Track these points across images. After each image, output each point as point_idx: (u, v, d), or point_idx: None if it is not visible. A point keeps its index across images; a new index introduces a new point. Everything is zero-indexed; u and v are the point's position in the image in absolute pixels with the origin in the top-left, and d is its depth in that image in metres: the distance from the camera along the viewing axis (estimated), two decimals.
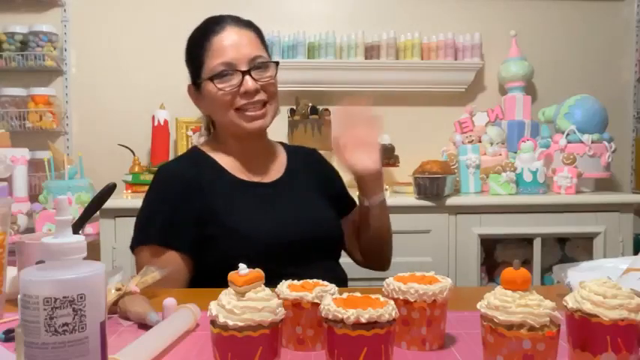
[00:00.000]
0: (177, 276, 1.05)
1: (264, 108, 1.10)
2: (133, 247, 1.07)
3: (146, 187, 2.19)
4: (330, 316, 0.60)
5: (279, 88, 1.15)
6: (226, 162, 1.15)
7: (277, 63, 1.13)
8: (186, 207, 1.06)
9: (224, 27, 1.10)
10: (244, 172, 1.15)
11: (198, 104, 1.17)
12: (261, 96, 1.09)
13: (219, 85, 1.07)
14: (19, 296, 0.50)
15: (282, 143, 1.30)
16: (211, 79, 1.08)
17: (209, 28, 1.12)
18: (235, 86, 1.07)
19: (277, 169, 1.20)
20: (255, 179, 1.16)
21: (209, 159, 1.15)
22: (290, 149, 1.28)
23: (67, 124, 2.38)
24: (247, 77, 1.06)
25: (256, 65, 1.08)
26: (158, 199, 1.10)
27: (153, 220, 1.07)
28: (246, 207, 1.10)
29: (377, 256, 1.27)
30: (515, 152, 2.14)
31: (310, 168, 1.25)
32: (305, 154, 1.30)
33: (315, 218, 1.15)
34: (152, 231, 1.06)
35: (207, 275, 1.05)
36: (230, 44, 1.08)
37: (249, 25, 1.14)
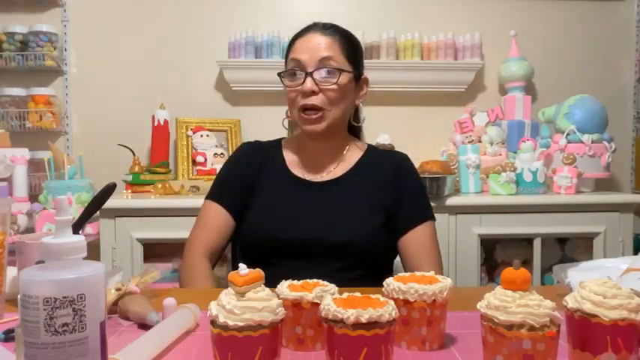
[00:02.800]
0: (217, 228, 1.21)
1: (320, 113, 1.15)
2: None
3: (146, 187, 2.21)
4: (330, 316, 0.60)
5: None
6: (290, 158, 1.26)
7: (347, 72, 1.16)
8: (239, 177, 1.24)
9: (309, 31, 1.19)
10: (301, 168, 1.24)
11: None
12: (318, 99, 1.14)
13: (287, 83, 1.18)
14: (19, 296, 0.50)
15: (370, 146, 1.31)
16: (282, 75, 1.19)
17: (300, 31, 1.21)
18: (298, 85, 1.15)
19: (339, 170, 1.24)
20: (308, 177, 1.23)
21: (279, 151, 1.28)
22: (372, 153, 1.28)
23: (67, 124, 2.38)
24: (308, 78, 1.14)
25: (322, 69, 1.14)
26: (224, 167, 1.30)
27: (214, 182, 1.29)
28: (279, 199, 1.20)
29: None
30: (515, 152, 2.14)
31: (380, 175, 1.23)
32: (386, 160, 1.27)
33: (343, 224, 1.15)
34: (210, 189, 1.27)
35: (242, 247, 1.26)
36: (305, 47, 1.16)
37: (334, 32, 1.19)
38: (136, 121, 2.36)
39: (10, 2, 2.33)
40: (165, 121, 2.25)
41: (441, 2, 2.50)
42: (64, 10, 2.37)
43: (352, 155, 1.27)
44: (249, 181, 1.23)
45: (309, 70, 1.14)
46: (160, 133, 2.25)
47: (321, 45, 1.15)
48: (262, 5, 2.44)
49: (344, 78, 1.16)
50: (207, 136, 2.30)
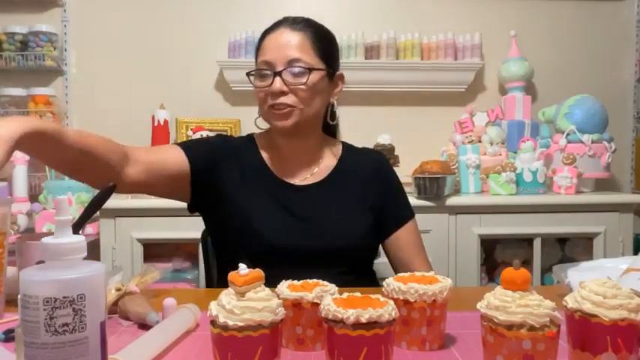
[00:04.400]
0: (160, 160, 1.10)
1: (289, 110, 1.11)
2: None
3: None
4: (330, 316, 0.60)
5: None
6: (267, 156, 1.21)
7: (318, 70, 1.11)
8: (213, 165, 1.15)
9: (278, 27, 1.15)
10: (280, 169, 1.19)
11: None
12: (287, 99, 1.10)
13: (255, 83, 1.13)
14: (19, 296, 0.50)
15: (345, 144, 1.27)
16: (251, 75, 1.14)
17: (270, 26, 1.17)
18: (267, 85, 1.10)
19: (318, 173, 1.20)
20: (288, 179, 1.18)
21: (254, 149, 1.22)
22: (350, 152, 1.26)
23: (67, 124, 2.38)
24: (277, 78, 1.09)
25: (292, 68, 1.09)
26: (204, 140, 1.25)
27: (191, 139, 1.24)
28: (269, 203, 1.14)
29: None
30: (515, 152, 2.14)
31: (362, 175, 1.21)
32: (364, 159, 1.25)
33: (328, 230, 1.12)
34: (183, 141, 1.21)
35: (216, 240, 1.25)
36: (274, 44, 1.12)
37: (305, 28, 1.14)
38: (136, 121, 2.36)
39: (10, 2, 2.33)
40: (165, 121, 2.25)
41: (441, 2, 2.50)
42: (64, 10, 2.37)
43: (331, 156, 1.23)
44: (224, 174, 1.16)
45: (278, 70, 1.09)
46: (160, 133, 2.25)
47: (290, 42, 1.10)
48: (262, 5, 2.44)
49: (315, 77, 1.11)
50: (207, 136, 2.30)
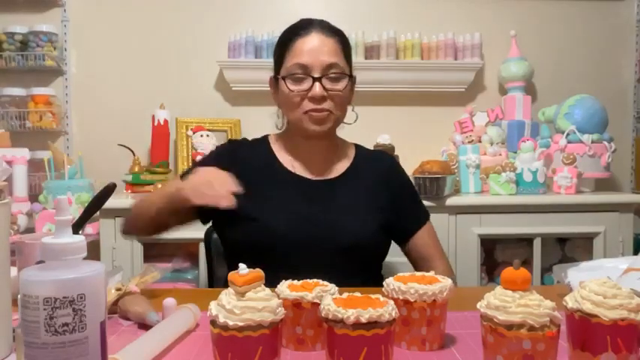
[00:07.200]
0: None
1: (326, 113, 1.13)
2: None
3: (146, 188, 2.20)
4: (330, 316, 0.60)
5: None
6: (284, 156, 1.22)
7: (351, 76, 1.16)
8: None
9: (310, 31, 1.15)
10: (294, 166, 1.21)
11: (274, 97, 1.23)
12: (327, 104, 1.13)
13: (291, 87, 1.13)
14: (19, 296, 0.50)
15: (358, 146, 1.30)
16: (285, 78, 1.14)
17: (297, 29, 1.17)
18: (305, 90, 1.12)
19: (335, 170, 1.22)
20: (304, 175, 1.20)
21: (269, 150, 1.23)
22: (363, 153, 1.28)
23: (67, 124, 2.38)
24: (317, 84, 1.11)
25: (329, 74, 1.12)
26: (207, 157, 1.27)
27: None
28: (273, 196, 1.15)
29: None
30: (515, 152, 2.14)
31: (375, 176, 1.23)
32: (377, 161, 1.27)
33: (337, 229, 1.12)
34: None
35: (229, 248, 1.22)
36: (309, 49, 1.13)
37: (335, 33, 1.17)
38: (136, 121, 2.36)
39: (10, 2, 2.33)
40: (165, 121, 2.25)
41: (441, 2, 2.50)
42: (64, 10, 2.37)
43: (345, 156, 1.25)
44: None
45: (316, 75, 1.11)
46: (160, 133, 2.25)
47: (324, 48, 1.13)
48: (262, 5, 2.44)
49: (346, 82, 1.15)
50: (207, 136, 2.30)
